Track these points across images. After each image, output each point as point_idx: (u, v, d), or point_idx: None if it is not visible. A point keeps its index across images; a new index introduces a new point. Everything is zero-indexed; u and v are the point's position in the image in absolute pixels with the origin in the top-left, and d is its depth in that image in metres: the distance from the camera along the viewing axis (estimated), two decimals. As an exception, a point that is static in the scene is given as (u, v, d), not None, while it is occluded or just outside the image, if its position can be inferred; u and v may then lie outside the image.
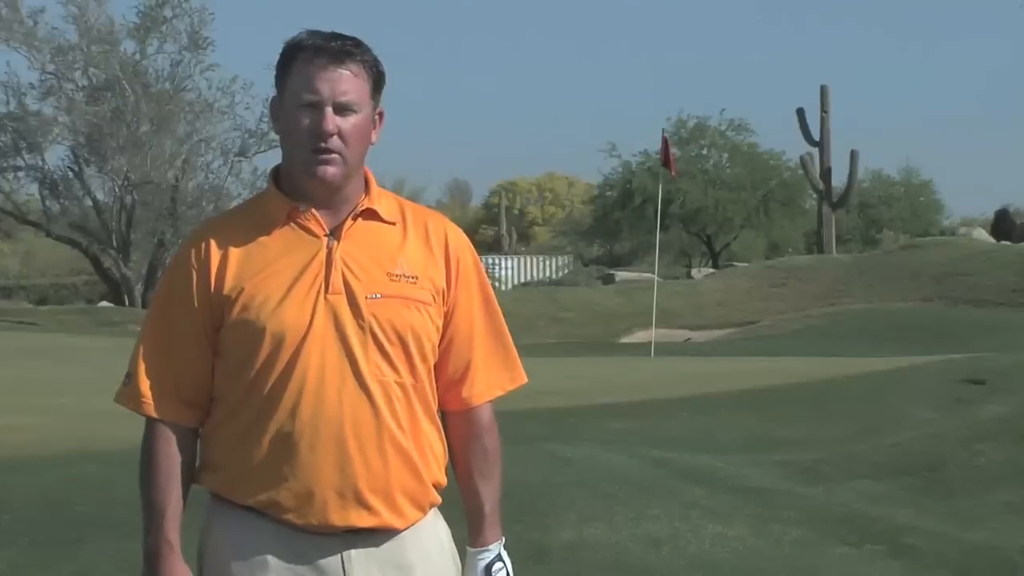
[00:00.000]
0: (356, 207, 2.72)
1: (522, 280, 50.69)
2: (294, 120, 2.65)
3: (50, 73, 36.10)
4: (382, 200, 2.79)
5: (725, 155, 50.87)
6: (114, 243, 36.48)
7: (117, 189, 36.39)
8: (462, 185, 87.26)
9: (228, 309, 2.65)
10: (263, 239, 2.68)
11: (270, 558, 2.65)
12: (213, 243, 2.68)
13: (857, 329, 25.87)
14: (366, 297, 2.65)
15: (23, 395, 12.57)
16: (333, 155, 2.65)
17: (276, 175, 2.76)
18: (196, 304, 2.67)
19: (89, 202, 37.30)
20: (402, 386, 2.68)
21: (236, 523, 2.68)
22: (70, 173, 37.11)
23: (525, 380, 2.89)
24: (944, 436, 10.02)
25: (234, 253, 2.67)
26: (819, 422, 10.78)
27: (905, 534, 7.38)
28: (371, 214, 2.74)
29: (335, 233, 2.69)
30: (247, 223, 2.71)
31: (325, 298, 2.64)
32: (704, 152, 51.19)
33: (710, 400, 11.80)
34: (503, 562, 2.82)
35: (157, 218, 36.22)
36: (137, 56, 36.51)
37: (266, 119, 36.10)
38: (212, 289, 2.66)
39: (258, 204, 2.76)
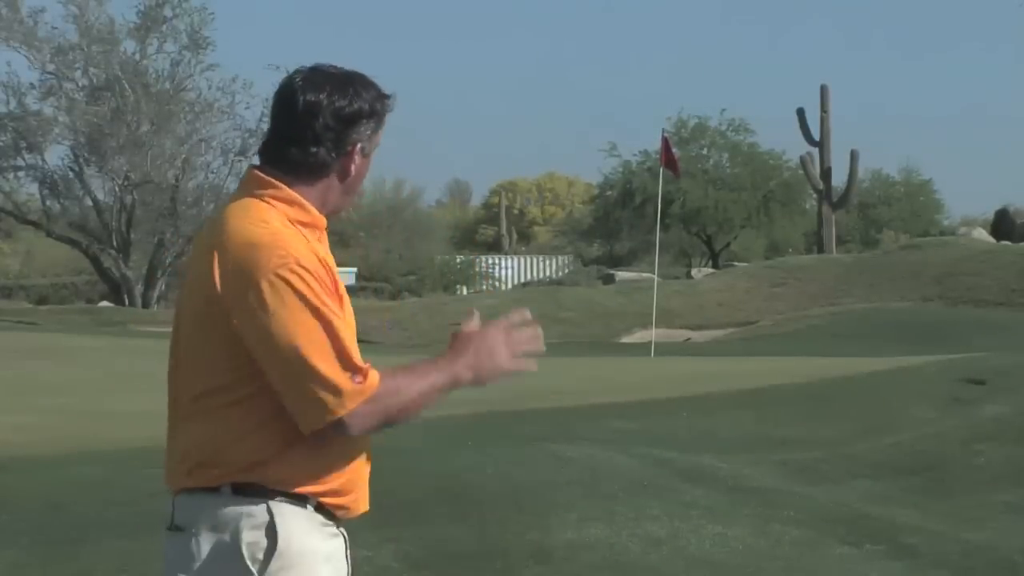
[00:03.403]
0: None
1: (522, 280, 50.69)
2: (367, 166, 2.92)
3: (50, 73, 36.12)
4: None
5: (725, 155, 50.84)
6: (114, 243, 36.49)
7: (117, 189, 36.41)
8: (462, 185, 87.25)
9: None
10: (319, 251, 2.83)
11: (320, 544, 2.79)
12: (313, 250, 2.79)
13: (857, 329, 25.86)
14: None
15: (23, 395, 12.58)
16: None
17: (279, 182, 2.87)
18: (338, 297, 2.80)
19: (89, 202, 37.33)
20: None
21: (296, 513, 2.76)
22: (70, 173, 37.13)
23: None
24: (944, 436, 10.02)
25: (324, 260, 2.82)
26: (819, 422, 10.78)
27: (905, 534, 7.38)
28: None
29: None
30: (306, 235, 2.82)
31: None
32: (704, 152, 51.15)
33: (710, 400, 11.80)
34: None
35: (157, 218, 36.24)
36: (137, 56, 36.53)
37: (266, 119, 36.08)
38: (335, 291, 2.80)
39: (302, 215, 2.84)
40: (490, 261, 51.66)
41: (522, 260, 53.99)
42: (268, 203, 2.81)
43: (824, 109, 42.06)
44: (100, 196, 37.24)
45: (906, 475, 9.06)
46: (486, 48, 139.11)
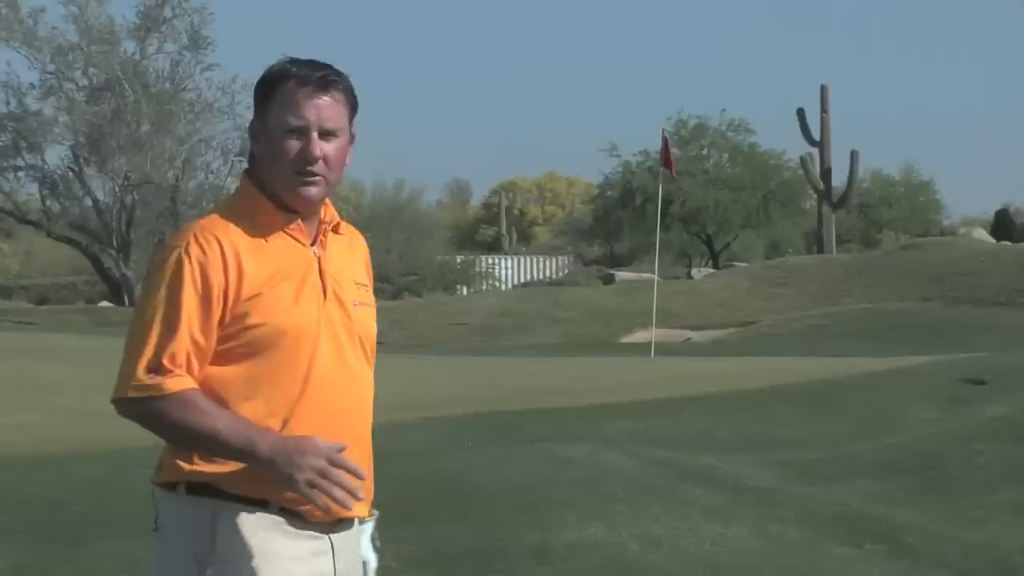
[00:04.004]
0: (326, 220, 2.91)
1: (522, 280, 50.68)
2: (281, 144, 2.81)
3: (50, 73, 36.13)
4: (335, 214, 2.97)
5: (725, 155, 50.83)
6: (114, 243, 36.49)
7: (117, 189, 36.42)
8: (462, 185, 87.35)
9: (243, 313, 2.76)
10: (265, 246, 2.81)
11: (282, 547, 2.75)
12: (225, 245, 2.77)
13: (857, 329, 25.85)
14: (352, 304, 2.90)
15: (23, 395, 12.57)
16: (318, 178, 2.82)
17: (252, 181, 2.88)
18: (214, 301, 2.75)
19: (89, 202, 37.33)
20: (371, 385, 2.94)
21: (245, 516, 2.74)
22: (70, 173, 37.14)
23: None
24: (944, 436, 10.02)
25: (245, 258, 2.77)
26: (819, 422, 10.78)
27: (905, 534, 7.38)
28: (336, 227, 2.95)
29: (315, 244, 2.88)
30: (246, 229, 2.81)
31: (324, 304, 2.84)
32: (704, 152, 51.14)
33: (710, 400, 11.80)
34: (378, 531, 3.11)
35: (157, 218, 36.23)
36: (137, 56, 36.53)
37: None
38: (229, 291, 2.75)
39: (251, 211, 2.85)
40: (490, 261, 51.64)
41: (522, 260, 53.97)
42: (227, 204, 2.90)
43: (824, 109, 42.07)
44: (100, 196, 37.26)
45: (906, 475, 9.05)
46: (486, 48, 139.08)
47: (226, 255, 2.75)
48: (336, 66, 2.88)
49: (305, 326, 2.78)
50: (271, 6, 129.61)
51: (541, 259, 54.61)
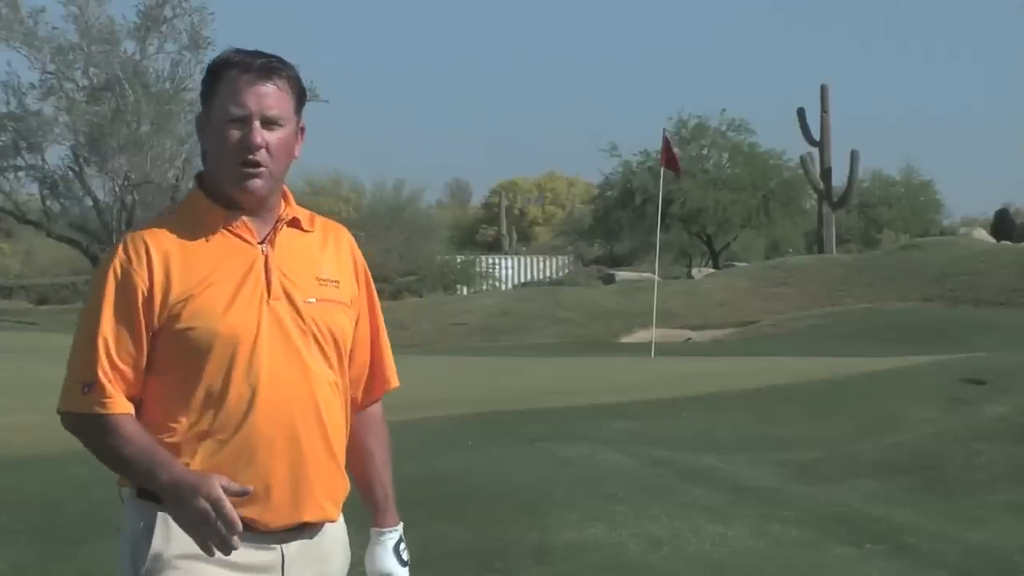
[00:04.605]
0: (281, 216, 2.82)
1: (522, 280, 50.70)
2: (222, 134, 2.74)
3: (50, 73, 36.08)
4: (299, 210, 2.88)
5: (725, 155, 50.87)
6: (114, 243, 36.49)
7: (117, 189, 36.37)
8: (462, 185, 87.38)
9: (174, 317, 2.70)
10: (201, 247, 2.74)
11: (217, 554, 2.68)
12: (153, 250, 2.72)
13: (857, 329, 25.87)
14: (304, 301, 2.78)
15: (23, 395, 12.57)
16: (261, 168, 2.74)
17: (201, 183, 2.83)
18: (140, 310, 2.71)
19: (89, 202, 37.29)
20: (335, 386, 2.83)
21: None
22: (70, 173, 37.10)
23: (398, 383, 3.06)
24: (944, 436, 10.02)
25: (175, 261, 2.72)
26: (819, 422, 10.78)
27: (905, 534, 7.37)
28: (295, 223, 2.84)
29: (265, 241, 2.78)
30: (183, 231, 2.76)
31: (268, 304, 2.74)
32: (704, 152, 51.18)
33: (710, 400, 11.80)
34: (404, 542, 3.03)
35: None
36: (137, 56, 36.49)
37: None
38: (156, 297, 2.70)
39: (191, 212, 2.80)
40: (490, 261, 51.63)
41: (522, 260, 53.98)
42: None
43: (824, 109, 42.12)
44: (100, 196, 37.21)
45: (906, 475, 9.05)
46: (486, 48, 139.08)
47: (152, 260, 2.71)
48: (282, 57, 2.80)
49: (241, 327, 2.70)
50: (271, 6, 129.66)
51: (541, 259, 54.62)
